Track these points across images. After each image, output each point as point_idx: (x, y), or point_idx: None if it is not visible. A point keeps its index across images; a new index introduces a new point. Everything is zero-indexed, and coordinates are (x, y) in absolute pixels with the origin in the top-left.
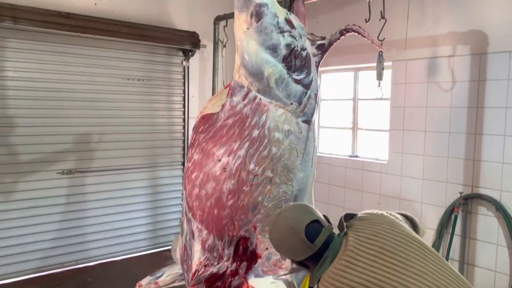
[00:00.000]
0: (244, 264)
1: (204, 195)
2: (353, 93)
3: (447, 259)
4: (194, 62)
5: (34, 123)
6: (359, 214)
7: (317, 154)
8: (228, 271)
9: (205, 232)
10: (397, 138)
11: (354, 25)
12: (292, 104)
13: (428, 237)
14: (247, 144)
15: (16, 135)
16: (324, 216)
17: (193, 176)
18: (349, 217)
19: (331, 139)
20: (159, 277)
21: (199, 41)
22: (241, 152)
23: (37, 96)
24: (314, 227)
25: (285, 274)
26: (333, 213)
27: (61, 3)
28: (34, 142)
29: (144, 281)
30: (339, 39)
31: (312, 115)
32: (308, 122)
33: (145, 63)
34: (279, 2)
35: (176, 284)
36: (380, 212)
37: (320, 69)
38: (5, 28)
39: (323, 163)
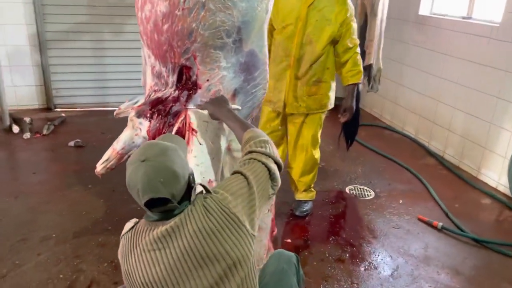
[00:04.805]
0: (185, 93)
1: (145, 18)
2: None
3: None
4: None
5: None
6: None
7: (428, 14)
8: (171, 97)
9: (152, 58)
10: None
11: None
12: None
13: None
14: None
15: None
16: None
17: None
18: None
19: None
20: (135, 103)
21: None
22: None
23: None
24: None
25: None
26: (432, 82)
27: None
28: None
29: (123, 106)
30: None
31: None
32: None
33: None
34: None
35: None
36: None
37: None
38: None
39: (430, 26)
